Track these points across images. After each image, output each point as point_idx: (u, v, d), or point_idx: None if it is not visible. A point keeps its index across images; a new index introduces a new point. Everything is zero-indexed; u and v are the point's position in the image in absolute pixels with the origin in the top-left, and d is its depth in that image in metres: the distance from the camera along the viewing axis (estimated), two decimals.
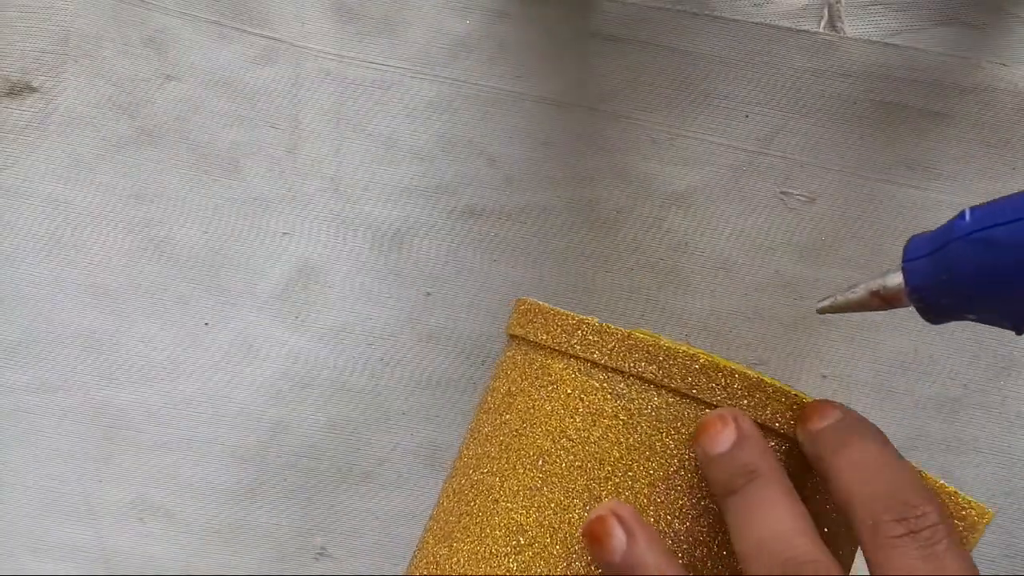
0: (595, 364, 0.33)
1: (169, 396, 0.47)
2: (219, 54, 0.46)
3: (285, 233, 0.47)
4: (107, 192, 0.47)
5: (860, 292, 0.33)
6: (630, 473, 0.32)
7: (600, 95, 0.46)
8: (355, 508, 0.48)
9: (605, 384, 0.33)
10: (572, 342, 0.34)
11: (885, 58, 0.45)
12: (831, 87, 0.45)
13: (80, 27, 0.46)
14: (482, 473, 0.34)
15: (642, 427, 0.32)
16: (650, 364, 0.33)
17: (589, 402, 0.33)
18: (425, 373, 0.47)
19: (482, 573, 0.32)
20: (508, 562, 0.32)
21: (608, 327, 0.34)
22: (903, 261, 0.32)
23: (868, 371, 0.46)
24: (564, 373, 0.34)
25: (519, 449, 0.34)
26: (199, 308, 0.47)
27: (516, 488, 0.33)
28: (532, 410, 0.34)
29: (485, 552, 0.33)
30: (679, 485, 0.32)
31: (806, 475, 0.33)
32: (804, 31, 0.45)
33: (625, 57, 0.46)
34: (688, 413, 0.32)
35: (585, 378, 0.33)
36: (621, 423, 0.33)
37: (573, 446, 0.33)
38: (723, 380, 0.32)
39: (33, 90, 0.47)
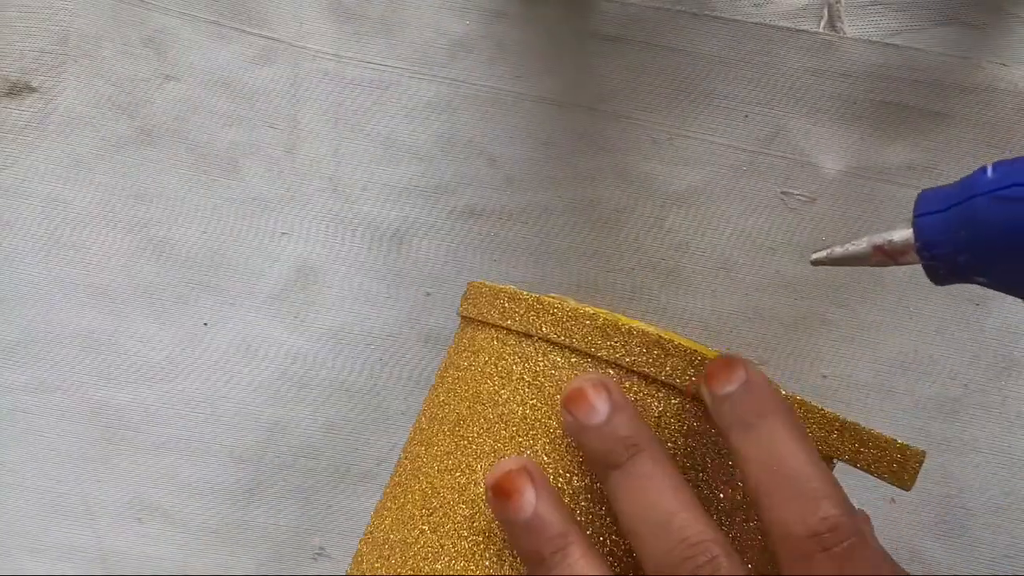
0: (509, 330, 0.34)
1: (168, 396, 0.47)
2: (218, 54, 0.46)
3: (284, 233, 0.47)
4: (106, 192, 0.47)
5: (862, 245, 0.31)
6: (532, 432, 0.32)
7: (600, 95, 0.46)
8: (353, 508, 0.48)
9: (516, 348, 0.34)
10: (492, 312, 0.35)
11: (885, 58, 0.45)
12: (831, 87, 0.45)
13: (80, 27, 0.46)
14: (413, 445, 0.35)
15: (546, 387, 0.33)
16: (555, 326, 0.33)
17: (501, 367, 0.34)
18: (424, 373, 0.47)
19: (399, 537, 0.33)
20: (421, 524, 0.33)
21: (520, 293, 0.34)
22: (914, 215, 0.30)
23: (869, 371, 0.46)
24: (484, 342, 0.35)
25: (442, 417, 0.35)
26: (198, 308, 0.47)
27: (435, 454, 0.34)
28: (456, 380, 0.35)
29: (405, 517, 0.33)
30: None
31: (707, 431, 0.33)
32: (804, 31, 0.45)
33: (625, 57, 0.46)
34: (588, 370, 0.33)
35: (500, 344, 0.34)
36: (527, 384, 0.33)
37: (484, 409, 0.33)
38: (621, 338, 0.32)
39: (33, 90, 0.47)
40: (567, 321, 0.33)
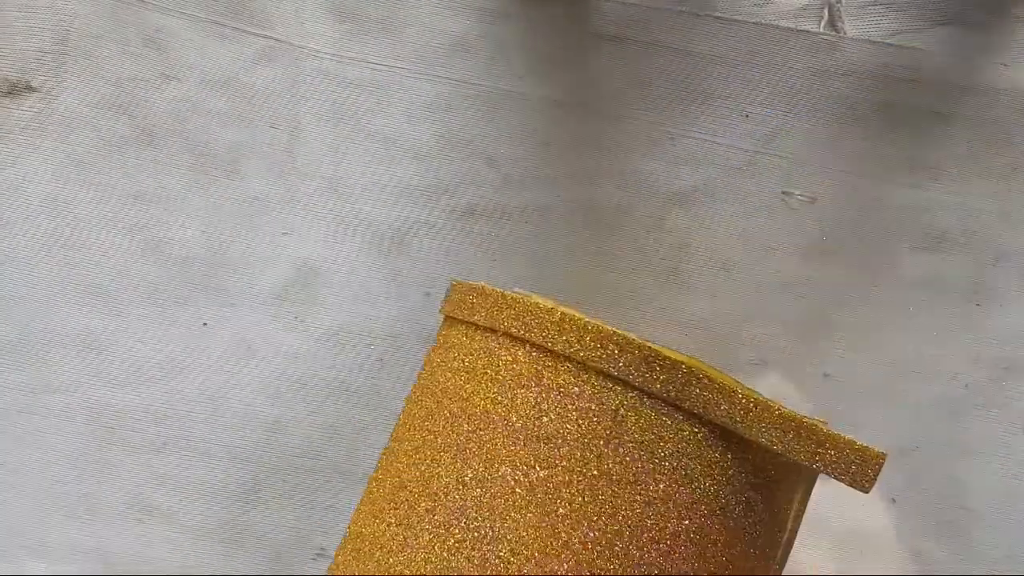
0: (476, 326, 0.35)
1: (168, 396, 0.47)
2: (218, 54, 0.46)
3: (284, 233, 0.47)
4: (106, 192, 0.47)
5: None
6: (492, 426, 0.33)
7: (600, 95, 0.46)
8: (354, 508, 0.48)
9: (481, 344, 0.35)
10: (463, 309, 0.36)
11: (885, 58, 0.45)
12: (831, 87, 0.45)
13: (80, 27, 0.46)
14: (392, 441, 0.36)
15: (507, 382, 0.34)
16: (516, 320, 0.34)
17: (467, 361, 0.35)
18: None
19: (370, 531, 0.34)
20: (389, 517, 0.33)
21: (487, 289, 0.35)
22: None
23: (870, 371, 0.46)
24: (455, 338, 0.36)
25: (415, 413, 0.36)
26: (198, 308, 0.47)
27: (405, 449, 0.35)
28: (428, 376, 0.36)
29: (376, 511, 0.34)
30: (537, 434, 0.33)
31: (664, 425, 0.33)
32: (804, 31, 0.45)
33: (625, 57, 0.46)
34: (547, 365, 0.33)
35: (468, 340, 0.35)
36: (489, 378, 0.34)
37: (450, 403, 0.34)
38: (577, 333, 0.33)
39: (33, 90, 0.47)
40: (526, 316, 0.34)
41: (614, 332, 0.33)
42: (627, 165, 0.46)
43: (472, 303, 0.36)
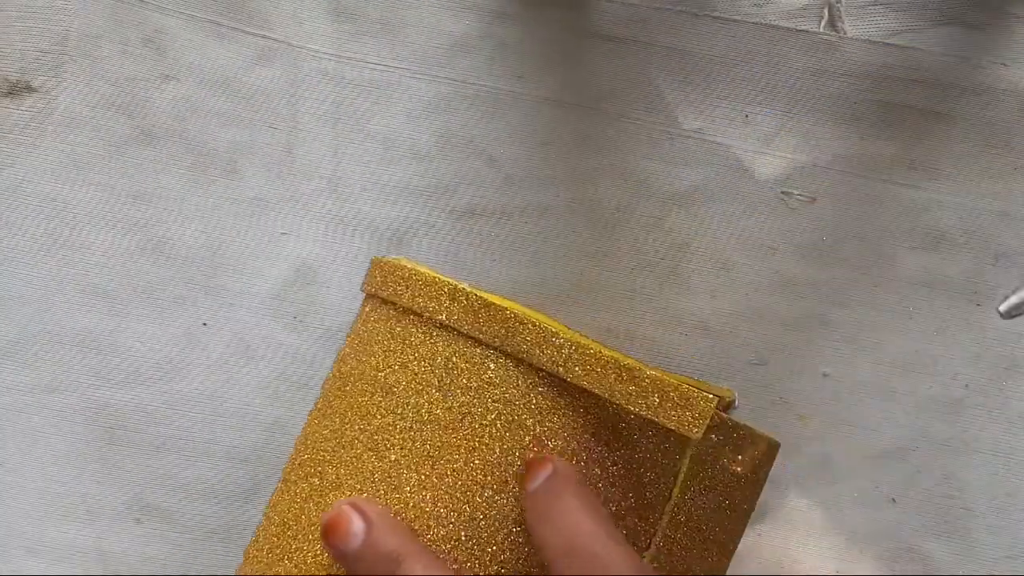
0: (368, 296, 0.38)
1: (167, 396, 0.47)
2: (217, 54, 0.46)
3: (283, 233, 0.47)
4: (106, 192, 0.47)
5: None
6: (352, 380, 0.35)
7: (600, 95, 0.46)
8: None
9: (365, 308, 0.37)
10: (386, 290, 0.37)
11: (885, 58, 0.45)
12: (831, 87, 0.45)
13: (79, 27, 0.46)
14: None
15: (366, 336, 0.36)
16: (380, 283, 0.37)
17: (355, 327, 0.37)
18: None
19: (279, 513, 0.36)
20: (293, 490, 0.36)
21: (379, 260, 0.37)
22: None
23: (870, 371, 0.46)
24: (364, 307, 0.38)
25: (324, 389, 0.38)
26: (197, 308, 0.47)
27: (312, 424, 0.37)
28: (346, 351, 0.38)
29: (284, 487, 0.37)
30: (383, 385, 0.35)
31: (575, 406, 0.34)
32: (804, 31, 0.45)
33: (625, 57, 0.46)
34: (398, 319, 0.35)
35: (362, 308, 0.38)
36: (359, 338, 0.37)
37: (338, 366, 0.37)
38: (415, 288, 0.35)
39: (32, 90, 0.47)
40: (387, 277, 0.36)
41: (446, 282, 0.35)
42: (627, 165, 0.46)
43: (368, 273, 0.38)
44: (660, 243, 0.46)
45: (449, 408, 0.34)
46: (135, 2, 0.46)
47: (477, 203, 0.47)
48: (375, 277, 0.37)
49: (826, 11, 0.45)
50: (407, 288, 0.35)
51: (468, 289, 0.35)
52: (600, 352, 0.33)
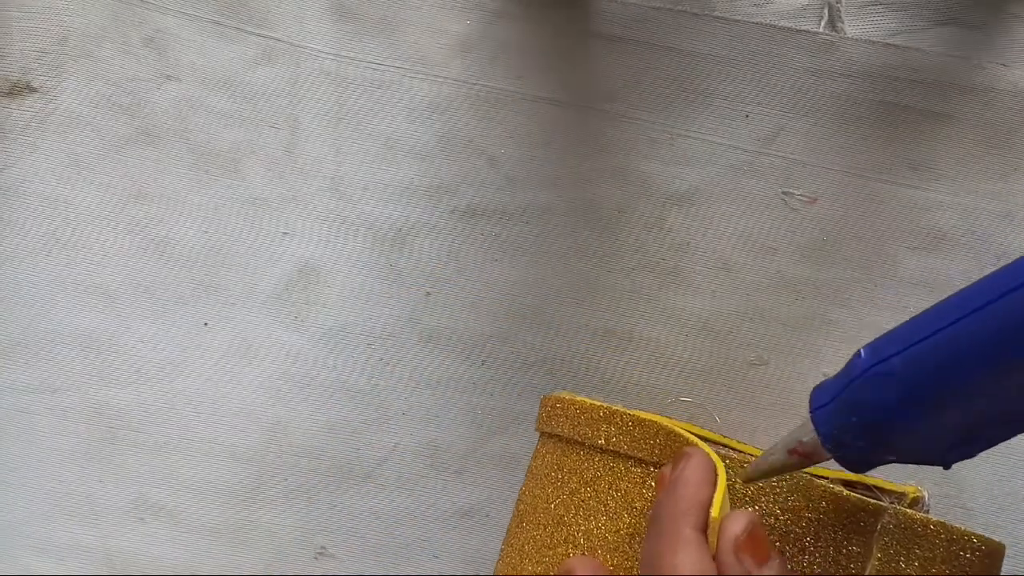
0: (542, 434, 0.38)
1: (169, 396, 0.47)
2: (218, 54, 0.46)
3: (285, 233, 0.47)
4: (107, 192, 0.47)
5: (778, 453, 0.32)
6: (538, 522, 0.36)
7: (600, 95, 0.46)
8: (355, 508, 0.48)
9: (543, 447, 0.38)
10: (540, 420, 0.38)
11: (885, 58, 0.45)
12: (831, 87, 0.45)
13: (80, 27, 0.46)
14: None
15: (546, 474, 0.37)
16: (565, 423, 0.37)
17: (534, 467, 0.38)
18: (425, 373, 0.47)
19: None
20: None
21: (562, 397, 0.37)
22: (810, 411, 0.30)
23: None
24: (536, 444, 0.39)
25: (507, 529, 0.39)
26: (198, 308, 0.47)
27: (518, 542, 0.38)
28: (523, 490, 0.39)
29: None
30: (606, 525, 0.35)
31: (783, 534, 0.34)
32: (804, 31, 0.45)
33: (625, 57, 0.46)
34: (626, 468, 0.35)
35: (539, 446, 0.38)
36: (550, 480, 0.37)
37: (520, 504, 0.38)
38: (657, 438, 0.34)
39: (33, 90, 0.47)
40: (582, 415, 0.36)
41: (600, 406, 0.35)
42: (627, 165, 0.46)
43: (539, 411, 0.39)
44: (660, 243, 0.46)
45: (616, 531, 0.33)
46: (135, 2, 0.46)
47: (477, 203, 0.47)
48: (541, 413, 0.38)
49: (826, 11, 0.45)
50: (567, 419, 0.36)
51: (621, 410, 0.35)
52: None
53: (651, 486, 0.34)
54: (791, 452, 0.31)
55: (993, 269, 0.26)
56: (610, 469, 0.34)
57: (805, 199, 0.46)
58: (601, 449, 0.34)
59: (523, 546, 0.35)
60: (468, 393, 0.47)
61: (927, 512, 0.36)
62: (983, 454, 0.30)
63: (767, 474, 0.32)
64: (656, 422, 0.34)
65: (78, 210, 0.47)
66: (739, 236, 0.46)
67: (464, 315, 0.47)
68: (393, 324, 0.47)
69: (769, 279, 0.46)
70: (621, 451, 0.34)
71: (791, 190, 0.46)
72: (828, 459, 0.30)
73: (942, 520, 0.33)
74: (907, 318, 0.29)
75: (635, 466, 0.34)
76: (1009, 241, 0.45)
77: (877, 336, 0.29)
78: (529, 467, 0.39)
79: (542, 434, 0.39)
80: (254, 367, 0.47)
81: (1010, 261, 0.28)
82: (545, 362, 0.47)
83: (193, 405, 0.47)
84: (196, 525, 0.48)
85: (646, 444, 0.34)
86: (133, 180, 0.47)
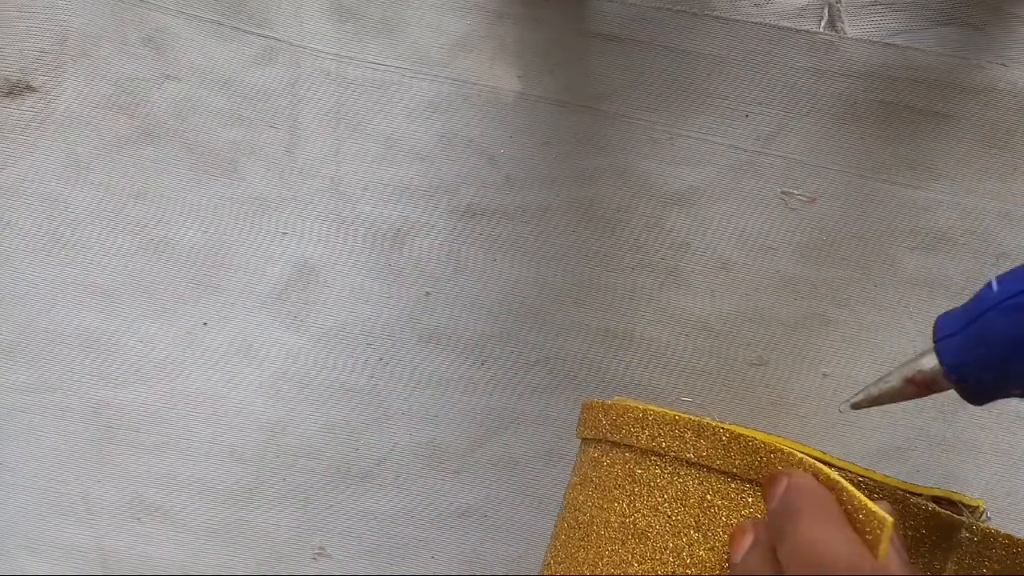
0: (586, 440, 0.37)
1: (167, 396, 0.47)
2: (218, 54, 0.46)
3: (284, 233, 0.47)
4: (106, 191, 0.47)
5: (894, 381, 0.31)
6: (596, 530, 0.35)
7: (600, 95, 0.46)
8: (354, 508, 0.48)
9: (590, 454, 0.37)
10: (581, 425, 0.37)
11: (885, 58, 0.45)
12: (831, 87, 0.45)
13: (79, 27, 0.46)
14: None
15: (605, 484, 0.35)
16: (610, 425, 0.36)
17: (581, 473, 0.37)
18: (425, 373, 0.47)
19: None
20: None
21: (593, 403, 0.37)
22: (935, 341, 0.30)
23: (869, 371, 0.46)
24: (579, 455, 0.38)
25: (558, 540, 0.38)
26: (198, 308, 0.47)
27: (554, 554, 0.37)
28: (569, 493, 0.38)
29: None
30: (633, 532, 0.34)
31: (748, 506, 0.33)
32: (804, 31, 0.45)
33: (625, 57, 0.46)
34: (637, 462, 0.34)
35: (582, 454, 0.37)
36: (593, 485, 0.36)
37: (569, 514, 0.36)
38: (655, 427, 0.34)
39: (33, 90, 0.47)
40: (617, 419, 0.35)
41: (690, 419, 0.33)
42: (627, 165, 0.46)
43: (583, 418, 0.37)
44: (660, 243, 0.46)
45: (711, 548, 0.33)
46: (135, 2, 0.46)
47: (477, 203, 0.47)
48: (594, 421, 0.37)
49: (826, 11, 0.45)
50: (643, 429, 0.34)
51: (714, 424, 0.34)
52: (872, 476, 0.33)
53: (747, 503, 0.33)
54: (908, 381, 0.30)
55: (993, 269, 0.26)
56: (700, 483, 0.33)
57: (804, 199, 0.46)
58: (688, 462, 0.33)
59: (595, 562, 0.34)
60: (467, 393, 0.47)
61: (987, 521, 0.37)
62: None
63: (877, 402, 0.32)
64: (754, 438, 0.33)
65: (78, 210, 0.47)
66: (738, 236, 0.46)
67: (464, 315, 0.47)
68: (392, 324, 0.47)
69: (768, 279, 0.46)
70: (714, 466, 0.33)
71: (790, 190, 0.46)
72: (946, 390, 0.30)
73: (1009, 533, 0.33)
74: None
75: (729, 481, 0.33)
76: (1009, 241, 0.45)
77: (1005, 271, 0.29)
78: (583, 476, 0.37)
79: (594, 441, 0.37)
80: (253, 367, 0.47)
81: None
82: (545, 362, 0.47)
83: (191, 405, 0.47)
84: (192, 525, 0.48)
85: (743, 460, 0.33)
86: (132, 180, 0.47)
